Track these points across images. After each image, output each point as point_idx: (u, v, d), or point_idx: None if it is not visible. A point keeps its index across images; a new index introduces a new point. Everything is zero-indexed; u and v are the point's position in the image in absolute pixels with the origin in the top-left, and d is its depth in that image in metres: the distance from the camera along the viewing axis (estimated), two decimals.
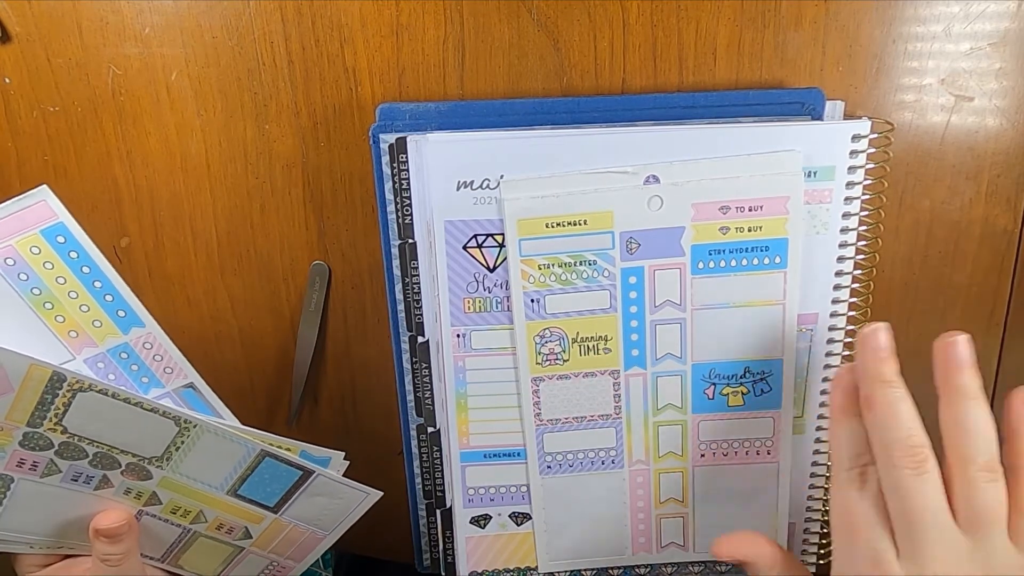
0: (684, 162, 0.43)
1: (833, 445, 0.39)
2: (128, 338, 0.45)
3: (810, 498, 0.49)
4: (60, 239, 0.43)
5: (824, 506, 0.50)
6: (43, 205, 0.42)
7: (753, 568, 0.42)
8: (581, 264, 0.44)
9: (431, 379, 0.47)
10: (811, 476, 0.49)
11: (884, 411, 0.36)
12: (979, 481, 0.35)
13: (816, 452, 0.48)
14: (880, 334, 0.38)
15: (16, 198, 0.42)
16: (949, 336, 0.37)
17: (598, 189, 0.43)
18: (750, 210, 0.43)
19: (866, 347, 0.38)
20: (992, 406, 0.52)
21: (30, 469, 0.40)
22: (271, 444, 0.43)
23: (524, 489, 0.49)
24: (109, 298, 0.44)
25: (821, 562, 0.51)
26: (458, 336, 0.46)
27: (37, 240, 0.42)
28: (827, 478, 0.49)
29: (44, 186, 0.43)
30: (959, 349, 0.37)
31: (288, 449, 0.44)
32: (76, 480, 0.41)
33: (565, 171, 0.43)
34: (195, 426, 0.41)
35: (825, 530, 0.50)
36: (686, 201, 0.43)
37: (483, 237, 0.44)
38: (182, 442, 0.41)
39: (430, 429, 0.48)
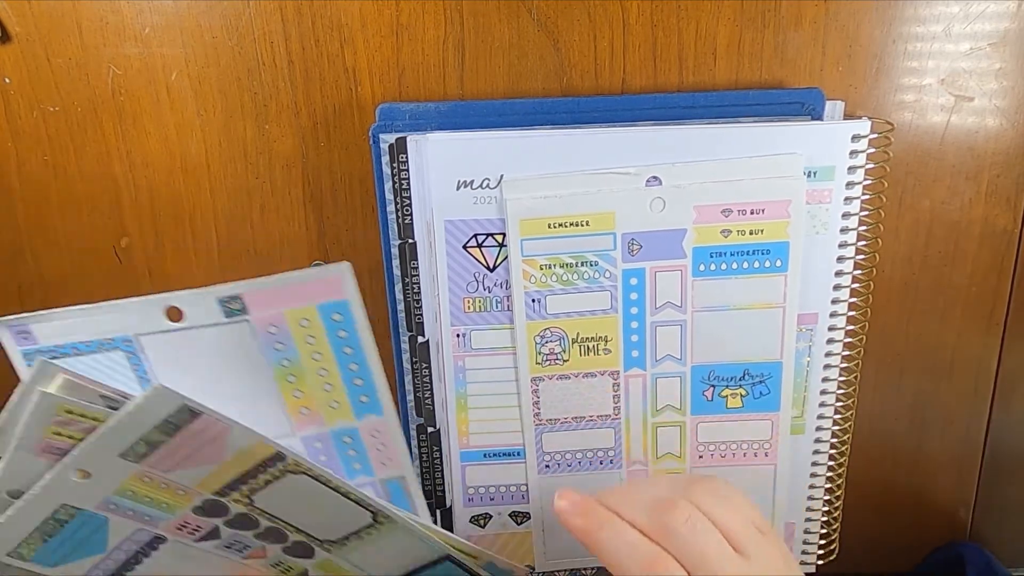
0: (686, 164, 0.43)
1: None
2: (359, 424, 0.40)
3: (810, 498, 0.49)
4: (336, 316, 0.38)
5: (825, 505, 0.50)
6: (338, 280, 0.38)
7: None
8: (582, 265, 0.44)
9: (431, 379, 0.47)
10: (811, 476, 0.49)
11: (604, 556, 0.37)
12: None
13: (816, 452, 0.48)
14: (569, 497, 0.38)
15: (318, 269, 0.39)
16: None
17: (600, 190, 0.43)
18: (752, 213, 0.43)
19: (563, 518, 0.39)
20: (992, 406, 0.52)
21: (188, 533, 0.37)
22: (457, 549, 0.40)
23: (524, 488, 0.49)
24: (359, 382, 0.40)
25: (821, 562, 0.51)
26: (458, 336, 0.46)
27: (310, 313, 0.38)
28: (827, 478, 0.49)
29: (347, 263, 0.38)
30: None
31: (474, 556, 0.41)
32: (230, 547, 0.38)
33: (567, 171, 0.43)
34: (390, 521, 0.38)
35: (825, 530, 0.50)
36: (688, 203, 0.43)
37: (483, 237, 0.44)
38: (367, 534, 0.38)
39: (430, 429, 0.48)
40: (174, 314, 0.36)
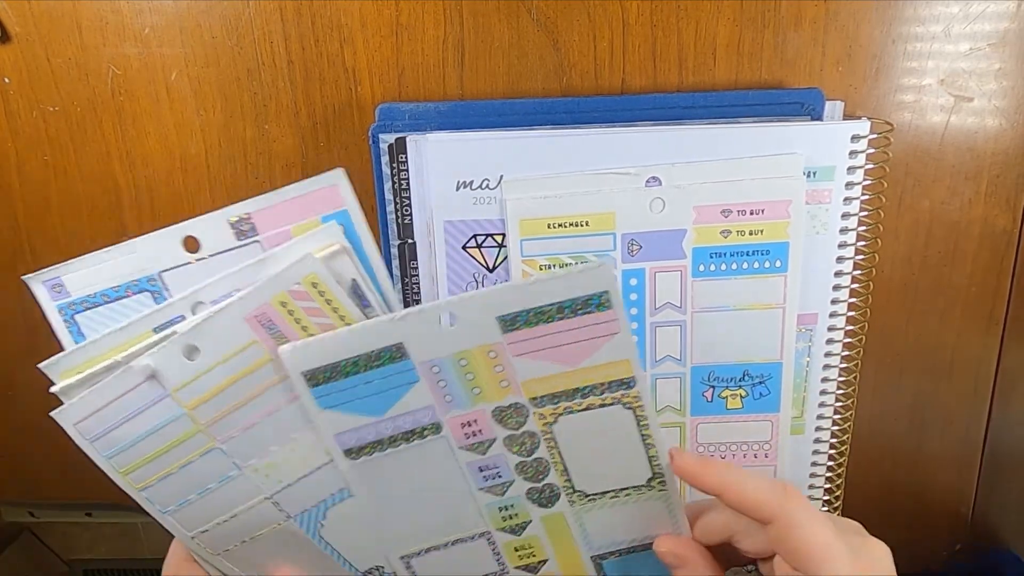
0: (686, 164, 0.43)
1: None
2: None
3: (810, 498, 0.49)
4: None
5: (825, 506, 0.50)
6: (335, 188, 0.39)
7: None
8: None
9: None
10: (811, 476, 0.49)
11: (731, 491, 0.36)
12: None
13: (816, 452, 0.48)
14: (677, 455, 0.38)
15: (313, 178, 0.39)
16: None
17: (600, 190, 0.43)
18: (752, 214, 0.43)
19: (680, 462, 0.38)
20: (992, 406, 0.52)
21: (465, 435, 0.37)
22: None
23: None
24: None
25: None
26: None
27: (315, 227, 0.39)
28: (827, 478, 0.49)
29: (340, 169, 0.39)
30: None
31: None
32: (482, 471, 0.38)
33: (567, 171, 0.43)
34: (661, 487, 0.38)
35: None
36: (688, 203, 0.43)
37: (482, 237, 0.44)
38: (627, 495, 0.38)
39: None
40: (191, 245, 0.37)
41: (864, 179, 0.44)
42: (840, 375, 0.47)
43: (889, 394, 0.52)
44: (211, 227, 0.37)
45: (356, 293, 0.37)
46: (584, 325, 0.34)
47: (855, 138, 0.43)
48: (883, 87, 0.45)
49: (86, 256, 0.38)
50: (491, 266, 0.44)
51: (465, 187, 0.43)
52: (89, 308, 0.39)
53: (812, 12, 0.44)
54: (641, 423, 0.37)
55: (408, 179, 0.44)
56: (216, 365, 0.35)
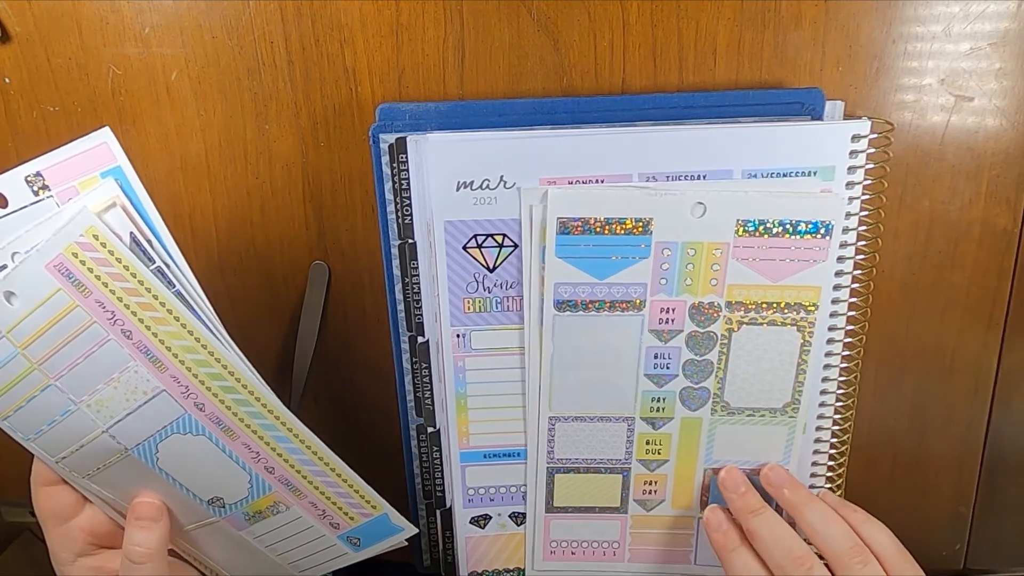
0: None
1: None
2: None
3: None
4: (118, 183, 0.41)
5: None
6: (105, 146, 0.40)
7: None
8: None
9: (431, 379, 0.47)
10: (811, 476, 0.49)
11: (766, 536, 0.43)
12: (854, 566, 0.41)
13: (816, 452, 0.48)
14: (734, 474, 0.46)
15: (85, 138, 0.40)
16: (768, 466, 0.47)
17: None
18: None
19: (728, 489, 0.46)
20: (992, 406, 0.52)
21: (659, 321, 0.42)
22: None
23: (524, 489, 0.49)
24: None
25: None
26: (458, 336, 0.46)
27: (96, 183, 0.40)
28: (827, 478, 0.49)
29: (107, 128, 0.40)
30: (779, 472, 0.46)
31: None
32: (656, 358, 0.43)
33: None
34: (792, 414, 0.44)
35: None
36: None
37: (483, 237, 0.44)
38: (761, 416, 0.45)
39: (430, 429, 0.48)
40: (0, 201, 0.39)
41: (865, 179, 0.43)
42: (840, 375, 0.47)
43: (889, 394, 0.52)
44: (11, 184, 0.39)
45: (138, 246, 0.39)
46: (799, 246, 0.41)
47: (855, 138, 0.43)
48: (883, 87, 0.45)
49: None
50: (491, 266, 0.44)
51: (465, 187, 0.43)
52: None
53: (812, 12, 0.44)
54: (804, 348, 0.43)
55: (408, 179, 0.44)
56: (33, 309, 0.38)
